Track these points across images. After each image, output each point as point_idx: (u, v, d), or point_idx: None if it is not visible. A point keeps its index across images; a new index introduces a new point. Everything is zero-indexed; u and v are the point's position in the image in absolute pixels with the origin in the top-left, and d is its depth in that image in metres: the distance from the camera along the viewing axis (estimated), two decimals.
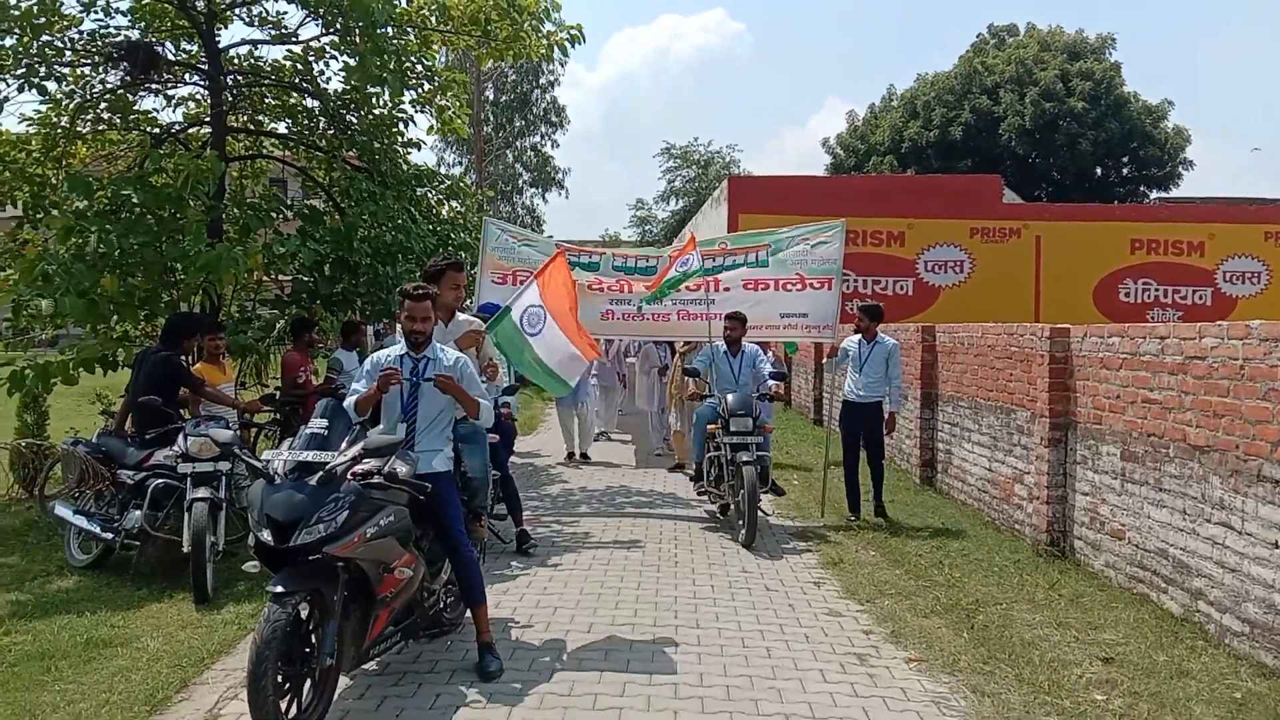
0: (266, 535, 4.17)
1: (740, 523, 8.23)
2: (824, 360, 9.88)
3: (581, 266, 9.67)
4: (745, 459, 8.22)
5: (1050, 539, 7.66)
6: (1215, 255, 19.17)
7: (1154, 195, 37.96)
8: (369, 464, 4.53)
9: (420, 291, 5.31)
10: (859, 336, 9.29)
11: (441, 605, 5.36)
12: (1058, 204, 27.63)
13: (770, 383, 9.20)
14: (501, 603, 6.43)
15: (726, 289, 9.72)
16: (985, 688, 4.99)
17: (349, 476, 4.41)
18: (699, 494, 9.36)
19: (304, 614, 4.25)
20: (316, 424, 4.64)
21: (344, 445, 4.55)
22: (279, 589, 4.10)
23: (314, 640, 4.31)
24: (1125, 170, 38.84)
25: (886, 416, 9.16)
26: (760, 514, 8.36)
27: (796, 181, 20.32)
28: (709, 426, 8.85)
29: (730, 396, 8.67)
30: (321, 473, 4.32)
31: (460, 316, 6.48)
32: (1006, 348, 8.78)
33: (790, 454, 12.96)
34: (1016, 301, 18.08)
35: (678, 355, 12.28)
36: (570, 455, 12.90)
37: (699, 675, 5.15)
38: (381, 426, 5.23)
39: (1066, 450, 7.63)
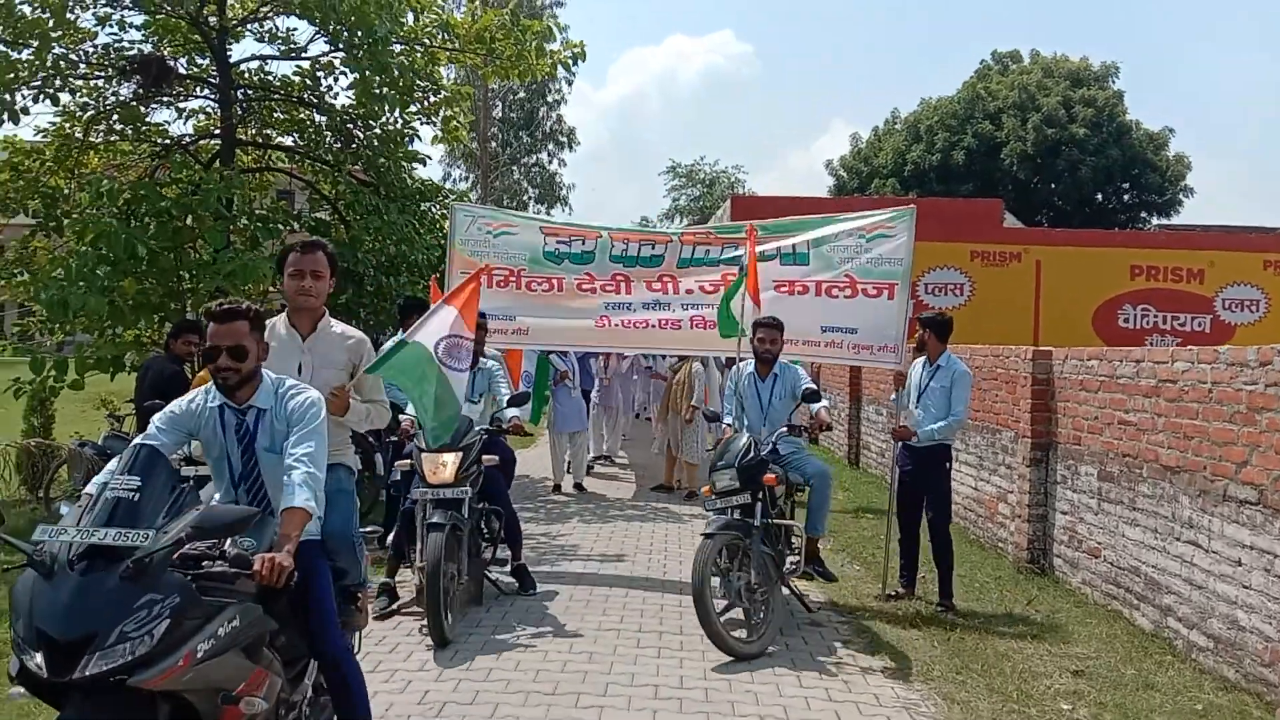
0: (39, 660, 2.66)
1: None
2: (893, 396, 7.52)
3: (572, 259, 7.95)
4: (707, 531, 5.88)
5: (1031, 556, 7.83)
6: (1214, 283, 19.26)
7: (1154, 222, 38.14)
8: (203, 544, 3.02)
9: (225, 308, 3.55)
10: (922, 359, 7.11)
11: None
12: (1058, 229, 27.87)
13: (815, 407, 6.72)
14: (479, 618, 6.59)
15: None
16: (956, 695, 5.16)
17: (171, 564, 2.90)
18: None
19: None
20: (122, 483, 2.99)
21: (162, 518, 2.95)
22: None
23: None
24: (1126, 197, 39.05)
25: (907, 429, 6.92)
26: (799, 599, 6.67)
27: (799, 202, 20.47)
28: (703, 490, 6.68)
29: (737, 440, 6.31)
30: (129, 562, 2.78)
31: (334, 328, 4.47)
32: (993, 369, 8.96)
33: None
34: (1016, 325, 18.14)
35: (677, 370, 11.94)
36: (556, 487, 11.68)
37: (679, 678, 5.33)
38: (216, 496, 3.68)
39: (1047, 470, 7.81)
